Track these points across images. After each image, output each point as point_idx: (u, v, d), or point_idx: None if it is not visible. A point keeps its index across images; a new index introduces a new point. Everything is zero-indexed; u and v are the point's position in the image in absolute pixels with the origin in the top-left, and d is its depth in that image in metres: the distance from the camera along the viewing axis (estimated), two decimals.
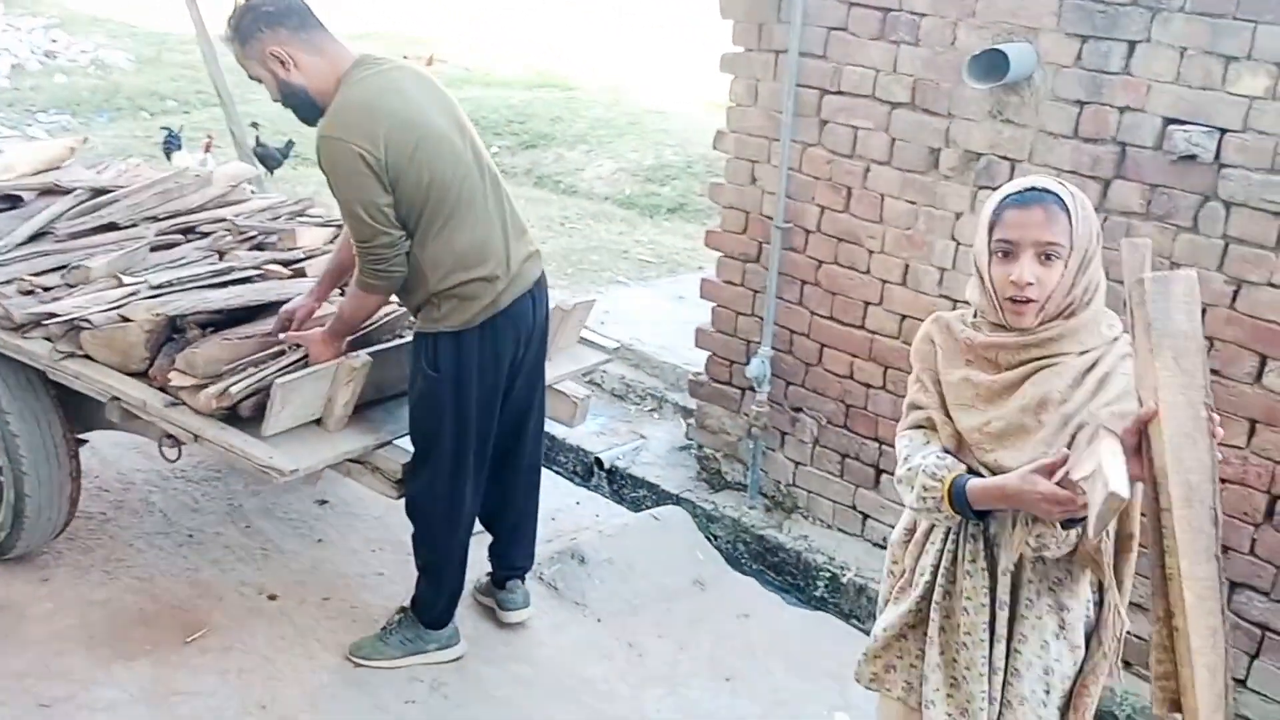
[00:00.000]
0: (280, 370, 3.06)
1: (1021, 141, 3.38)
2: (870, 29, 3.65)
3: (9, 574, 3.48)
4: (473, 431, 3.04)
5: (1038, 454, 1.86)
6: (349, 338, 3.16)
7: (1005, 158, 3.43)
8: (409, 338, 3.40)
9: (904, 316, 3.79)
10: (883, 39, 3.63)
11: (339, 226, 4.12)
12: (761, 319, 4.17)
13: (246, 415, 3.03)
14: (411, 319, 3.16)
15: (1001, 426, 1.93)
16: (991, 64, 3.27)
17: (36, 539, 3.48)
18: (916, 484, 1.99)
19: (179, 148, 7.96)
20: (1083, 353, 1.93)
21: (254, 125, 7.61)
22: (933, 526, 2.09)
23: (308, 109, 2.87)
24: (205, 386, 3.00)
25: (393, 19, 15.59)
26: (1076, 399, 1.89)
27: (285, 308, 3.28)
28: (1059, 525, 1.85)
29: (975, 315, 2.02)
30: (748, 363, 4.22)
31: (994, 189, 3.44)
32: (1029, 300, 1.89)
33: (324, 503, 4.11)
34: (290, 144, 8.17)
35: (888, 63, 3.63)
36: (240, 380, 3.01)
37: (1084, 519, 1.76)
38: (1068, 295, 1.90)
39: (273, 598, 3.54)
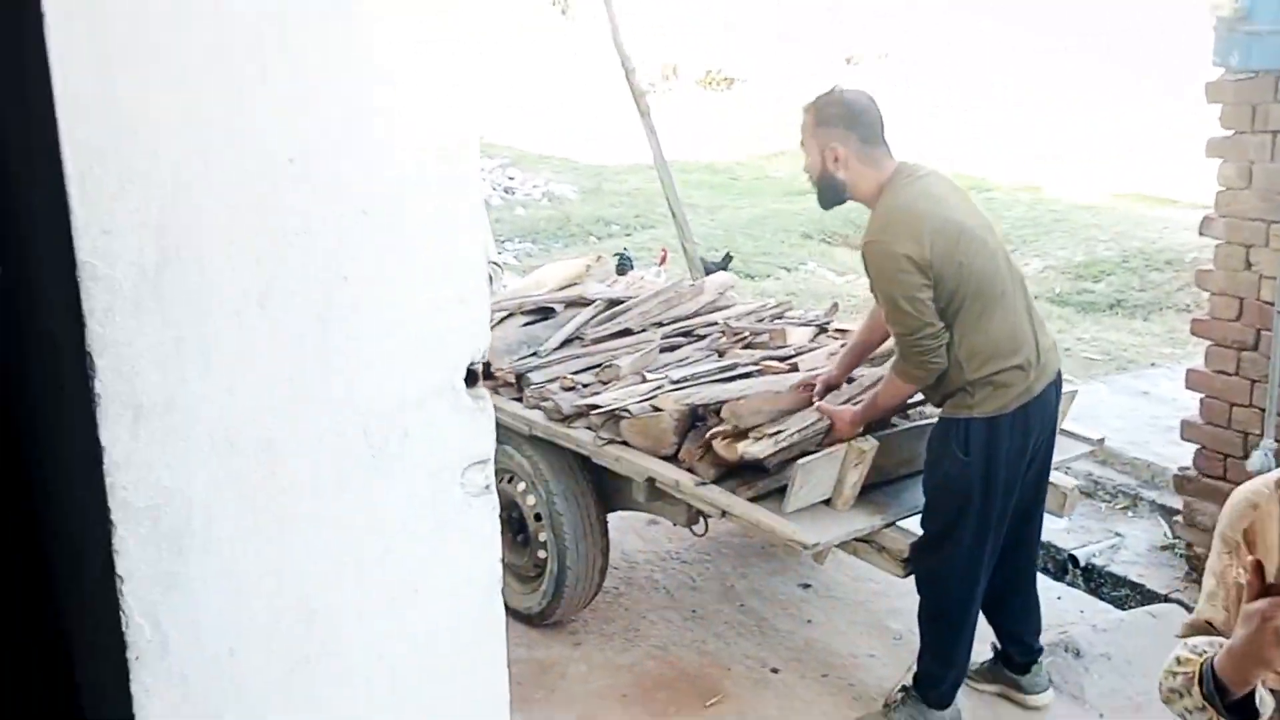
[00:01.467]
0: (806, 428, 3.32)
1: None
2: None
3: (548, 638, 3.94)
4: (995, 513, 3.14)
5: None
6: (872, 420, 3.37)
7: None
8: (912, 422, 3.59)
9: None
10: None
11: (820, 328, 4.41)
12: (1261, 410, 3.98)
13: (772, 469, 3.29)
14: (934, 406, 3.32)
15: None
16: None
17: (571, 608, 3.93)
18: (1166, 666, 1.60)
19: (632, 267, 8.73)
20: None
21: (728, 257, 8.24)
22: None
23: (831, 197, 3.17)
24: (743, 438, 3.31)
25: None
26: None
27: (807, 375, 3.55)
28: None
29: None
30: (1246, 456, 4.02)
31: None
32: None
33: (807, 586, 4.33)
34: (728, 256, 8.71)
35: None
36: (782, 432, 3.29)
37: None
38: None
39: (775, 671, 3.76)
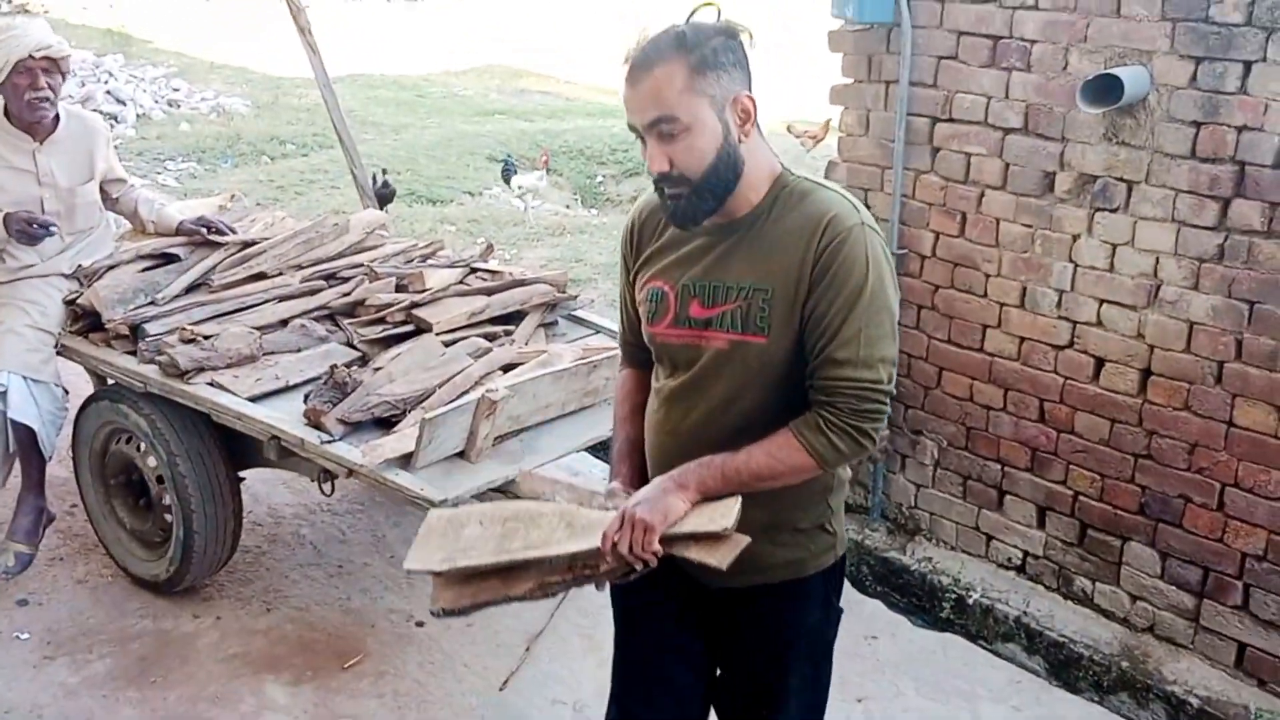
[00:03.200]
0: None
1: (1138, 163, 3.42)
2: (980, 57, 3.72)
3: (177, 607, 3.73)
4: None
5: None
6: None
7: (1121, 179, 3.47)
8: (546, 369, 3.57)
9: (1023, 339, 3.83)
10: (994, 66, 3.69)
11: (470, 269, 4.32)
12: None
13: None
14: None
15: None
16: (1105, 88, 3.31)
17: (203, 572, 3.72)
18: None
19: (515, 171, 8.70)
20: None
21: (384, 171, 7.93)
22: None
23: (723, 188, 1.94)
24: None
25: (491, 50, 15.98)
26: None
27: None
28: None
29: None
30: None
31: (1111, 210, 3.50)
32: None
33: None
34: (385, 183, 8.43)
35: (999, 89, 3.69)
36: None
37: None
38: None
39: (420, 624, 3.73)
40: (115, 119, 10.98)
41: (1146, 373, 3.52)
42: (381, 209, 7.93)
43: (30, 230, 3.66)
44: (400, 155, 10.11)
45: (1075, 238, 3.62)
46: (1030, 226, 3.72)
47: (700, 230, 2.03)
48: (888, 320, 1.95)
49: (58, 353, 3.78)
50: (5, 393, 3.60)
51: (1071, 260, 3.65)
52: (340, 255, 4.34)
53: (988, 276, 3.88)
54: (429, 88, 13.90)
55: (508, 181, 8.98)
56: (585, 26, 17.14)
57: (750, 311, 1.97)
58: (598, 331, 4.27)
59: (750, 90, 1.94)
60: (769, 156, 2.01)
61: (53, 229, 3.74)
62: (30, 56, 3.62)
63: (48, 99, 3.70)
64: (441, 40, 16.50)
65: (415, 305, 3.93)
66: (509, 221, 8.54)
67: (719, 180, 1.93)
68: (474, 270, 4.35)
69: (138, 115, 11.38)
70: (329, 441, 3.27)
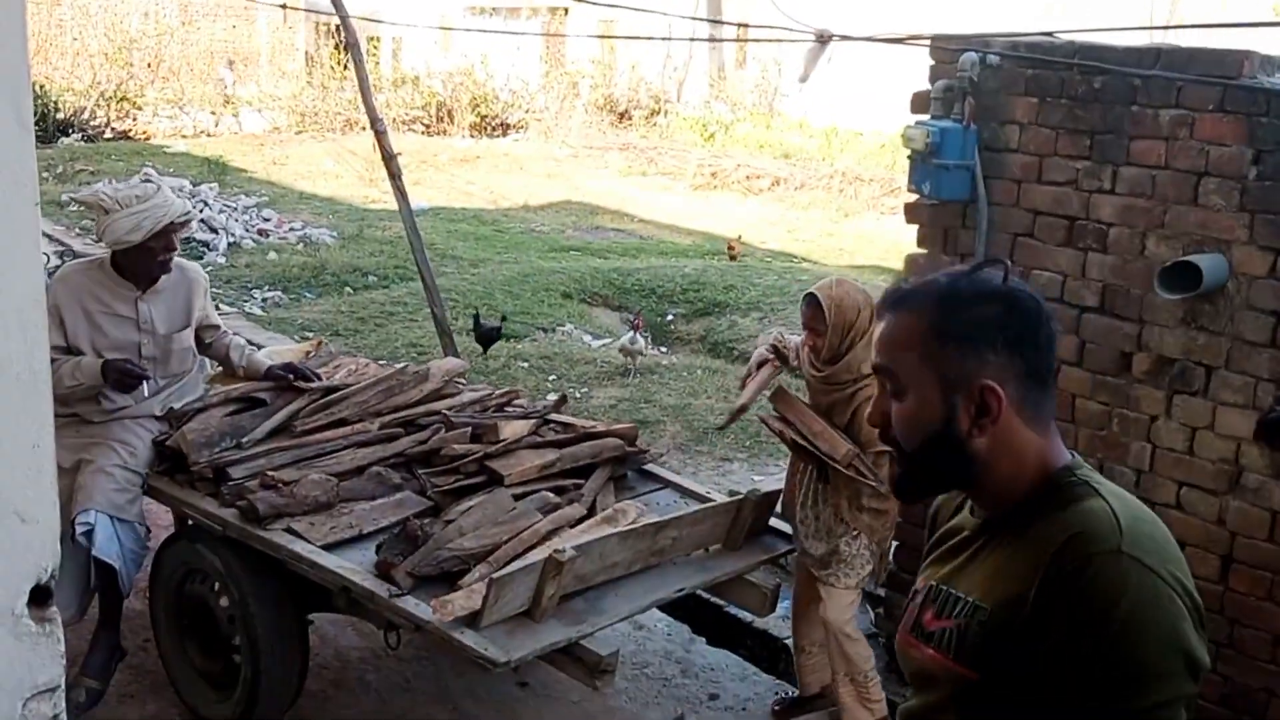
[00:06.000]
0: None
1: (1217, 348, 3.41)
2: (1057, 236, 3.76)
3: None
4: None
5: None
6: None
7: (1200, 363, 3.46)
8: (615, 527, 3.60)
9: None
10: (1070, 246, 3.73)
11: (543, 420, 4.39)
12: None
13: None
14: None
15: None
16: (1183, 273, 3.33)
17: (268, 715, 3.74)
18: None
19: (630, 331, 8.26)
20: None
21: (475, 312, 8.07)
22: None
23: (941, 479, 1.67)
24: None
25: (574, 186, 16.44)
26: None
27: None
28: None
29: None
30: None
31: (1190, 394, 3.48)
32: None
33: (525, 685, 4.28)
34: (504, 318, 8.58)
35: (1076, 268, 3.73)
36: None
37: None
38: None
39: None
40: (207, 247, 11.43)
41: (1228, 560, 3.45)
42: (485, 350, 8.11)
43: (127, 380, 3.82)
44: (477, 290, 10.36)
45: (1153, 418, 3.60)
46: (1107, 405, 3.71)
47: (971, 519, 1.65)
48: (1145, 687, 1.41)
49: (144, 492, 3.89)
50: (91, 531, 3.70)
51: (1150, 441, 3.62)
52: (419, 402, 4.44)
53: None
54: (507, 223, 14.29)
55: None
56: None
57: (967, 635, 1.54)
58: (665, 486, 4.30)
59: (1012, 383, 1.54)
60: (1042, 448, 1.58)
61: (148, 379, 3.90)
62: (171, 223, 3.85)
63: (173, 259, 3.94)
64: (523, 175, 17.01)
65: (489, 456, 4.00)
66: (580, 360, 8.66)
67: (934, 467, 1.59)
68: (547, 421, 4.43)
69: (229, 244, 11.82)
70: (398, 595, 3.31)
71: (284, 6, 8.55)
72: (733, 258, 11.85)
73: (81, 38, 19.91)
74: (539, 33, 14.12)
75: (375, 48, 21.12)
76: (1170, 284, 3.35)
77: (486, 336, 8.10)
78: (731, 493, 4.16)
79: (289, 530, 3.58)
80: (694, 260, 12.02)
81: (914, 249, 4.25)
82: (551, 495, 3.92)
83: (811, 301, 3.71)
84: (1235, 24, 3.52)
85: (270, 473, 3.77)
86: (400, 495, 3.88)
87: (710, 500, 4.09)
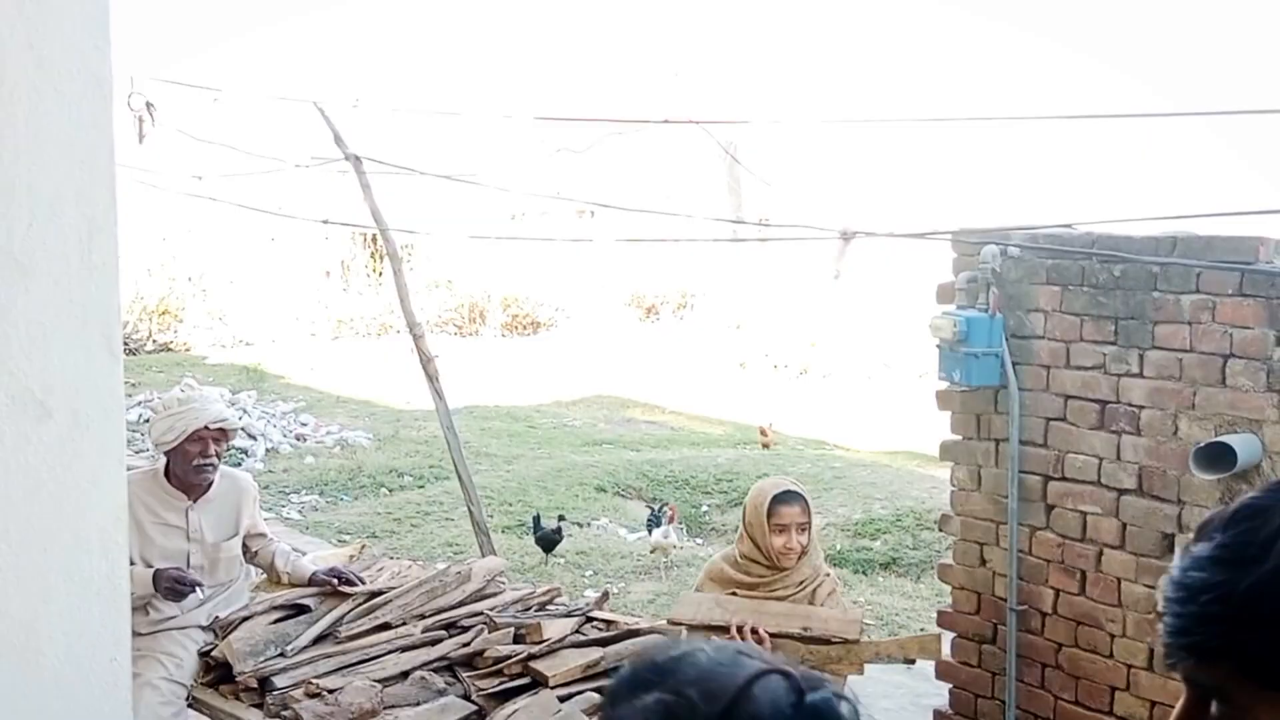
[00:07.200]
0: None
1: None
2: (1089, 420, 3.82)
3: None
4: None
5: None
6: None
7: None
8: None
9: (1154, 703, 3.69)
10: (1103, 429, 3.78)
11: (585, 618, 4.38)
12: (1003, 702, 4.12)
13: None
14: None
15: None
16: (1218, 454, 3.36)
17: None
18: None
19: (659, 524, 8.44)
20: None
21: (537, 516, 8.15)
22: None
23: None
24: None
25: (603, 379, 16.69)
26: None
27: None
28: None
29: None
30: None
31: None
32: None
33: None
34: (562, 518, 8.62)
35: (1110, 451, 3.76)
36: None
37: None
38: None
39: None
40: (245, 453, 11.61)
41: None
42: (547, 554, 8.12)
43: (179, 589, 3.86)
44: (512, 486, 10.43)
45: None
46: (1153, 588, 3.67)
47: None
48: None
49: (189, 704, 3.88)
50: None
51: None
52: (462, 603, 4.45)
53: (1113, 636, 3.81)
54: (540, 418, 14.46)
55: (650, 532, 8.72)
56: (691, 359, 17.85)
57: None
58: None
59: None
60: None
61: (199, 589, 3.95)
62: (205, 427, 3.96)
63: (212, 465, 4.03)
64: (555, 371, 17.30)
65: (532, 657, 3.97)
66: (616, 554, 8.64)
67: None
68: (590, 619, 4.41)
69: (266, 449, 12.01)
70: None
71: (326, 222, 8.92)
72: (765, 446, 11.94)
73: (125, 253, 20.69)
74: (570, 239, 14.67)
75: (409, 254, 21.88)
76: (1206, 464, 3.38)
77: (548, 539, 8.12)
78: None
79: None
80: (726, 450, 12.08)
81: (948, 435, 4.31)
82: (596, 695, 3.87)
83: (795, 499, 3.92)
84: (1257, 210, 3.64)
85: (314, 680, 3.76)
86: (444, 700, 3.85)
87: None
